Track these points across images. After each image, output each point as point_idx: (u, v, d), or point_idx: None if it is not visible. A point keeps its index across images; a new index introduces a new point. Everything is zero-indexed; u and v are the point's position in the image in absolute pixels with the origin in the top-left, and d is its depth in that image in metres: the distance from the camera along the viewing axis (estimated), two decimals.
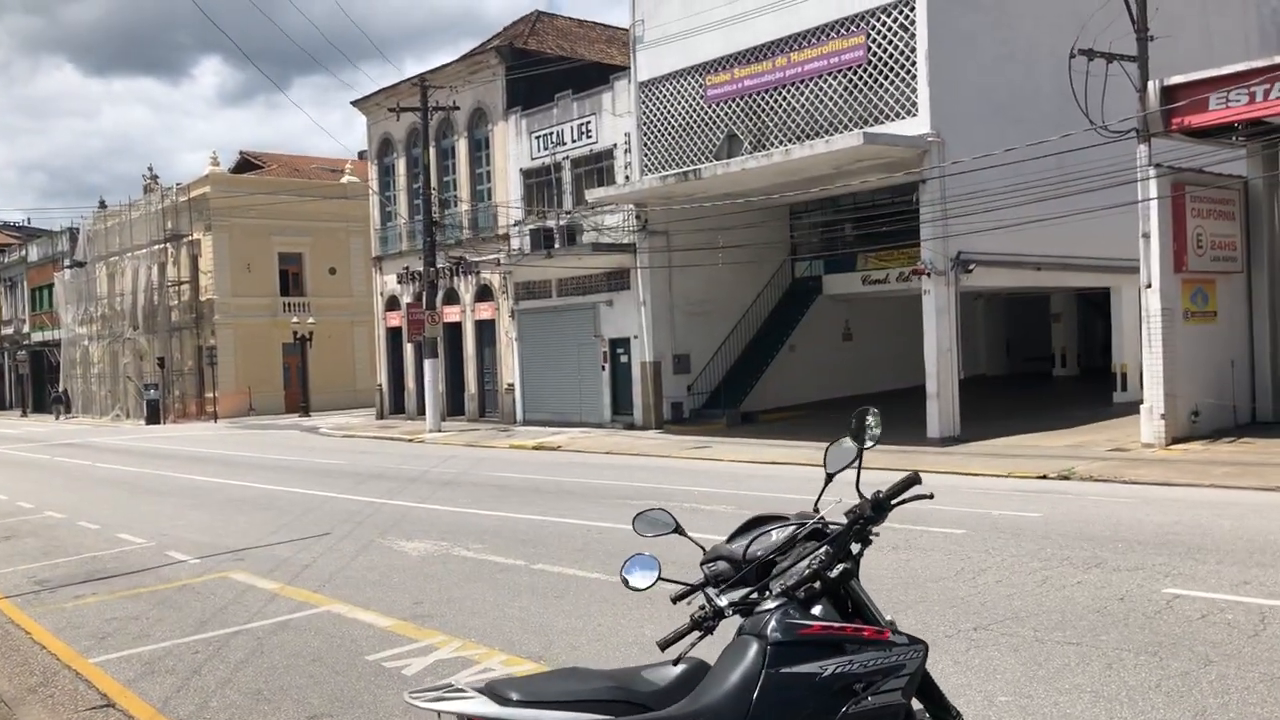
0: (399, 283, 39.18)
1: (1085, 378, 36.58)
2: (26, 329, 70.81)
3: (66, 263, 63.07)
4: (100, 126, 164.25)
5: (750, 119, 26.50)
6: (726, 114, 27.05)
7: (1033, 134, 21.99)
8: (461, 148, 36.05)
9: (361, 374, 53.58)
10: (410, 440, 31.54)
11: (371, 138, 40.56)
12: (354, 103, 40.66)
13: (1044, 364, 36.95)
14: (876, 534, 3.36)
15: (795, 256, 32.19)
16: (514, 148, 33.74)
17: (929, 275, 22.76)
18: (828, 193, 26.00)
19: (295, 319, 48.52)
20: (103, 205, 60.24)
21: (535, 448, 27.22)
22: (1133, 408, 26.16)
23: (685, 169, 26.04)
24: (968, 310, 38.15)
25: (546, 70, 33.55)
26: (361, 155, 52.40)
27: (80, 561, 11.62)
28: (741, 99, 26.65)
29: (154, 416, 48.92)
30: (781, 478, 17.96)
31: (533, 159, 33.07)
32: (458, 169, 36.15)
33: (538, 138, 32.86)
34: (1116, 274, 26.77)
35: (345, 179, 54.15)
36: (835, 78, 24.42)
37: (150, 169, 58.57)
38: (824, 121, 24.68)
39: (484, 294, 35.76)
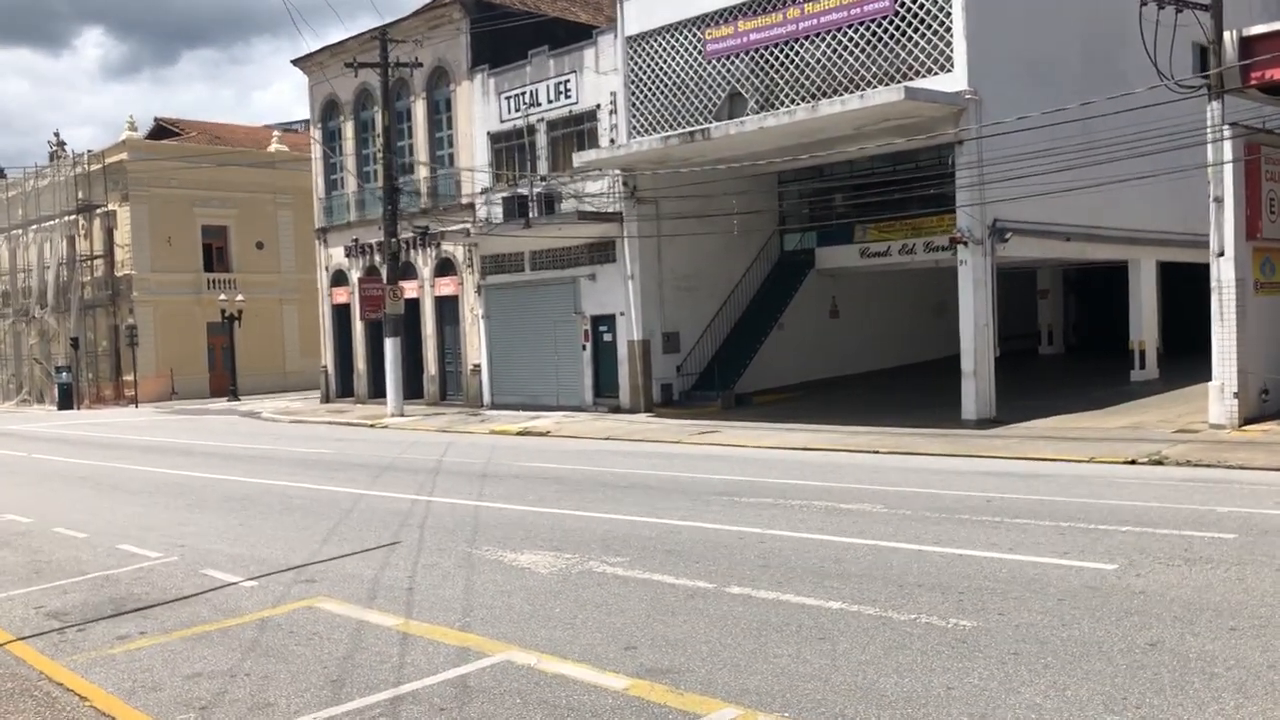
0: (347, 256, 36.37)
1: (1076, 355, 35.69)
2: None
3: None
4: None
5: (757, 76, 24.54)
6: (728, 71, 25.04)
7: (1061, 96, 20.58)
8: (419, 110, 33.36)
9: (292, 355, 50.44)
10: (372, 426, 28.97)
11: (314, 100, 37.50)
12: (295, 61, 37.52)
13: (1029, 341, 35.91)
14: None
15: (784, 228, 30.41)
16: (480, 109, 31.22)
17: (966, 244, 21.13)
18: (842, 156, 24.24)
19: (223, 296, 45.11)
20: (1, 174, 55.54)
21: (520, 433, 24.99)
22: (1153, 386, 25.18)
23: (691, 129, 23.96)
24: (949, 286, 36.95)
25: (516, 24, 31.11)
26: (284, 127, 49.11)
27: (93, 584, 9.15)
28: (746, 54, 24.66)
29: (66, 401, 45.08)
30: (839, 466, 16.15)
31: (502, 121, 30.61)
32: (415, 133, 33.46)
33: (508, 98, 30.41)
34: (1136, 246, 25.63)
35: (274, 146, 50.74)
36: (856, 30, 22.59)
37: (56, 135, 54.22)
38: (842, 78, 22.84)
39: (445, 267, 33.21)
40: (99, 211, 47.19)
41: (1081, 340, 37.05)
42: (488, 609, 7.56)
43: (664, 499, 12.70)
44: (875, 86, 21.87)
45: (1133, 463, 15.64)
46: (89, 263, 47.78)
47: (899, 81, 21.59)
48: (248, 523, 12.16)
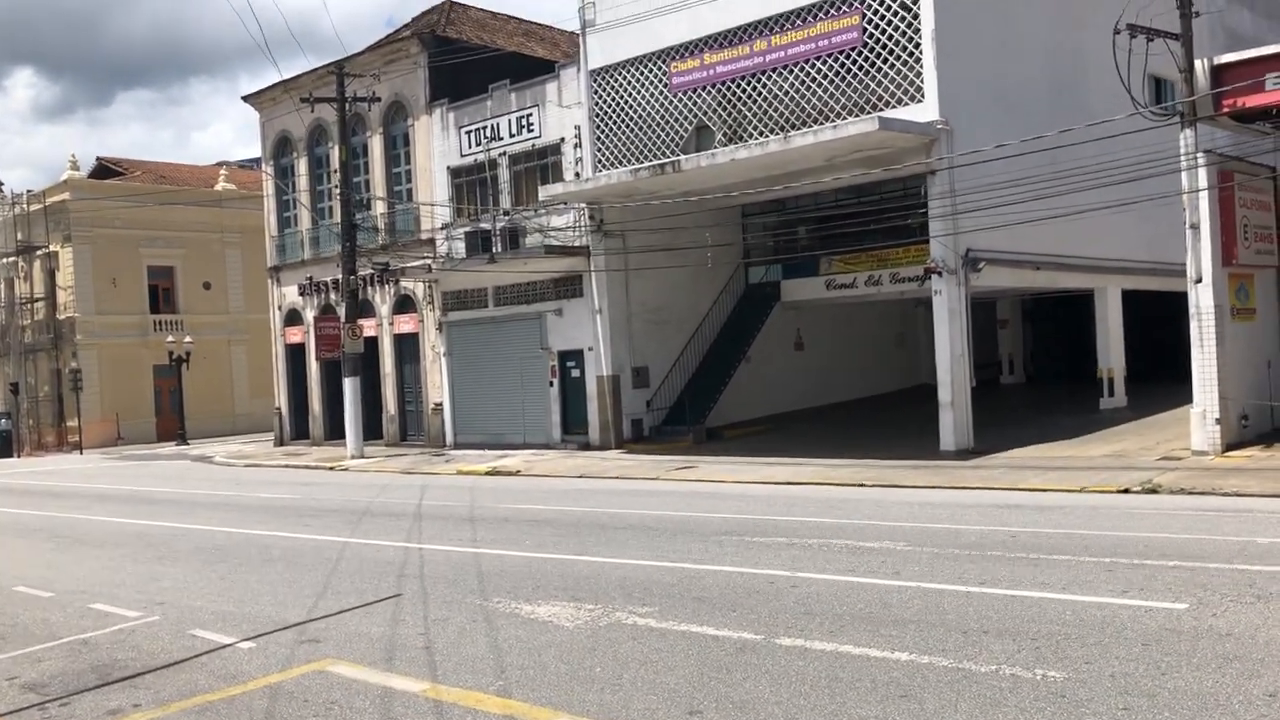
0: (301, 295, 35.56)
1: (1038, 384, 35.84)
2: None
3: None
4: None
5: (724, 109, 24.40)
6: (695, 104, 24.88)
7: (1028, 127, 20.69)
8: (376, 145, 32.82)
9: (241, 398, 49.29)
10: (332, 468, 28.16)
11: (266, 136, 36.78)
12: (246, 98, 36.83)
13: (990, 371, 36.04)
14: None
15: (749, 260, 30.23)
16: (440, 144, 30.76)
17: (940, 274, 21.05)
18: (812, 188, 24.15)
19: (170, 338, 43.91)
20: None
21: (489, 472, 24.39)
22: (1124, 414, 25.24)
23: (661, 161, 23.71)
24: (909, 317, 37.07)
25: (474, 58, 30.77)
26: (241, 164, 48.26)
27: (69, 650, 8.44)
28: (713, 87, 24.53)
29: (6, 449, 43.47)
30: (834, 501, 15.83)
31: (463, 156, 30.17)
32: (372, 168, 32.89)
33: (468, 133, 30.00)
34: (1103, 274, 25.79)
35: (220, 185, 49.78)
36: (824, 62, 22.55)
37: None
38: (811, 110, 22.77)
39: (405, 305, 32.56)
40: (40, 253, 45.87)
41: (1040, 369, 37.26)
42: (520, 669, 7.02)
43: (669, 541, 12.22)
44: (844, 118, 21.82)
45: (1126, 491, 15.50)
46: (29, 305, 46.32)
47: (868, 113, 21.55)
48: (228, 576, 11.46)
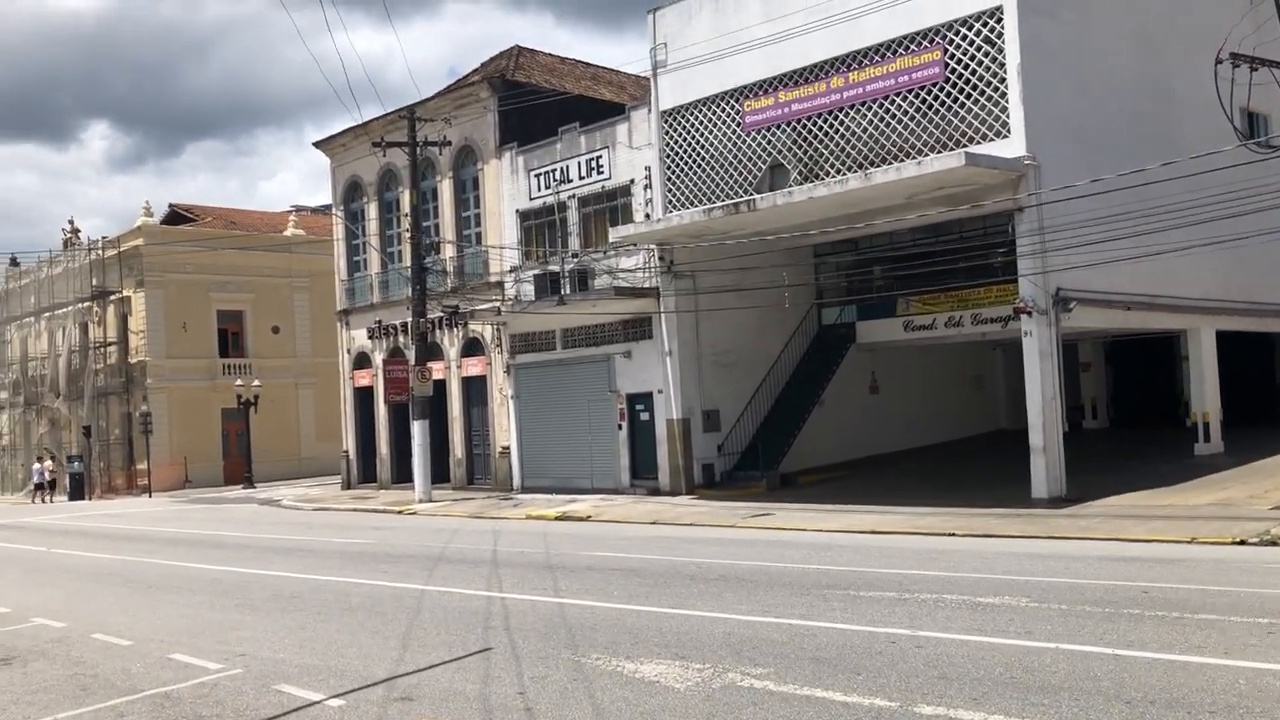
0: (370, 338, 35.58)
1: (1123, 428, 34.62)
2: None
3: None
4: None
5: (799, 147, 23.97)
6: (768, 143, 24.49)
7: (1114, 163, 19.99)
8: (445, 189, 32.85)
9: (307, 441, 49.45)
10: (400, 512, 27.86)
11: (336, 181, 37.07)
12: (317, 144, 37.18)
13: (1073, 416, 34.91)
14: None
15: (822, 301, 29.62)
16: (509, 187, 30.69)
17: (1030, 314, 20.28)
18: (891, 227, 23.53)
19: (239, 381, 44.21)
20: (14, 263, 55.10)
21: (558, 518, 23.91)
22: (1221, 460, 24.06)
23: (736, 200, 23.30)
24: (986, 359, 36.12)
25: (542, 101, 30.75)
26: (318, 210, 48.82)
27: (152, 705, 8.05)
28: (787, 125, 24.12)
29: (78, 491, 43.96)
30: (932, 552, 15.09)
31: (532, 199, 30.05)
32: (442, 212, 32.90)
33: (538, 175, 29.89)
34: (1196, 314, 24.80)
35: (289, 230, 50.35)
36: (904, 98, 22.06)
37: (71, 222, 53.74)
38: (890, 147, 22.25)
39: (473, 348, 32.38)
40: (113, 298, 46.60)
41: (1121, 414, 36.05)
42: None
43: (767, 593, 11.59)
44: (924, 154, 21.25)
45: (1242, 543, 14.60)
46: (102, 349, 47.03)
47: (949, 149, 20.97)
48: (308, 625, 11.05)
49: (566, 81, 34.66)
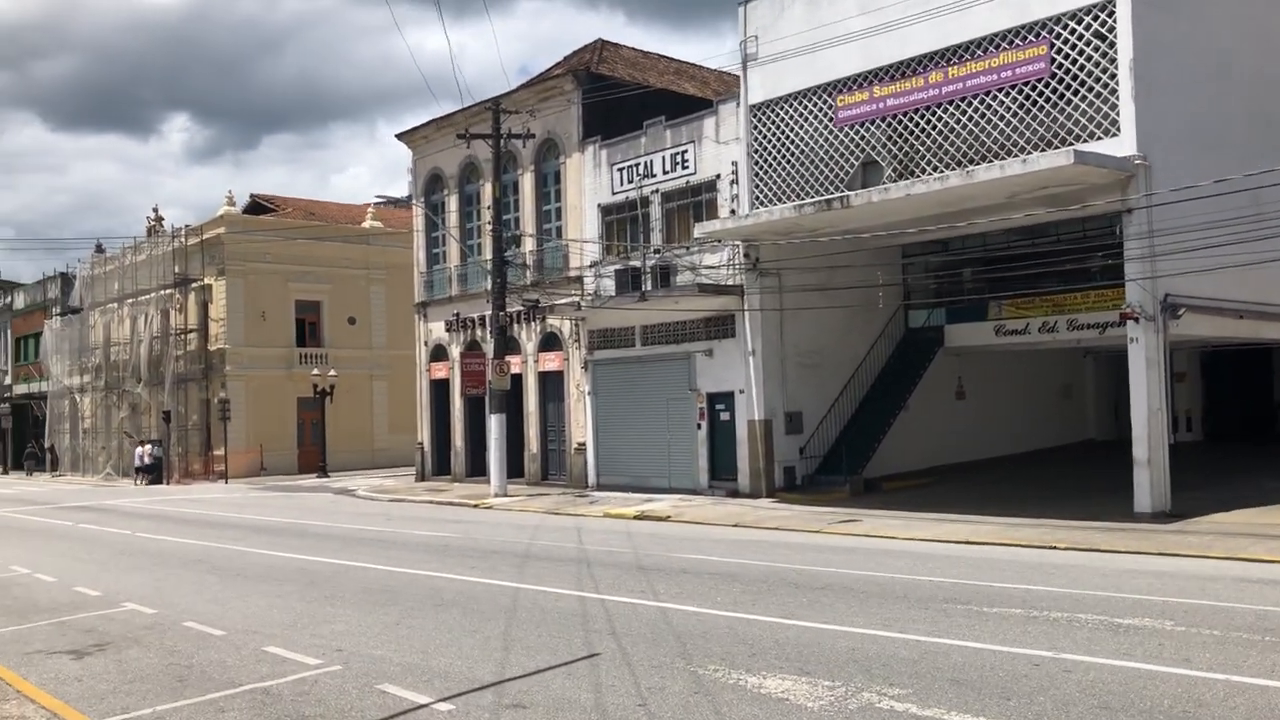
0: (448, 331, 35.54)
1: (1219, 441, 33.35)
2: (9, 381, 66.20)
3: (58, 310, 58.85)
4: (69, 183, 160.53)
5: (893, 143, 23.29)
6: (861, 138, 23.84)
7: (1227, 164, 19.09)
8: (527, 182, 32.65)
9: (380, 432, 49.71)
10: (476, 506, 27.70)
11: (417, 173, 37.10)
12: (399, 136, 37.23)
13: None
14: None
15: (910, 302, 28.88)
16: (591, 181, 30.39)
17: (1138, 320, 19.43)
18: (990, 227, 22.77)
19: (315, 371, 44.56)
20: (100, 250, 56.21)
21: (636, 517, 23.53)
22: None
23: (828, 197, 22.70)
24: (1075, 367, 35.05)
25: (625, 94, 30.39)
26: (385, 199, 49.04)
27: (252, 701, 7.79)
28: (882, 120, 23.45)
29: (156, 476, 44.55)
30: (1043, 566, 14.41)
31: (614, 193, 29.71)
32: (522, 205, 32.70)
33: (620, 170, 29.54)
34: None
35: (368, 222, 50.67)
36: (1007, 94, 21.29)
37: (155, 210, 54.67)
38: (991, 144, 21.49)
39: (550, 342, 32.15)
40: (195, 286, 47.23)
41: (1218, 426, 34.74)
42: None
43: (880, 606, 11.04)
44: (1027, 153, 20.48)
45: None
46: (183, 336, 47.71)
47: (1055, 147, 20.18)
48: (403, 621, 10.77)
49: (649, 76, 34.26)
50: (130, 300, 51.17)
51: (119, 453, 51.17)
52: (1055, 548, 16.48)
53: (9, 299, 68.08)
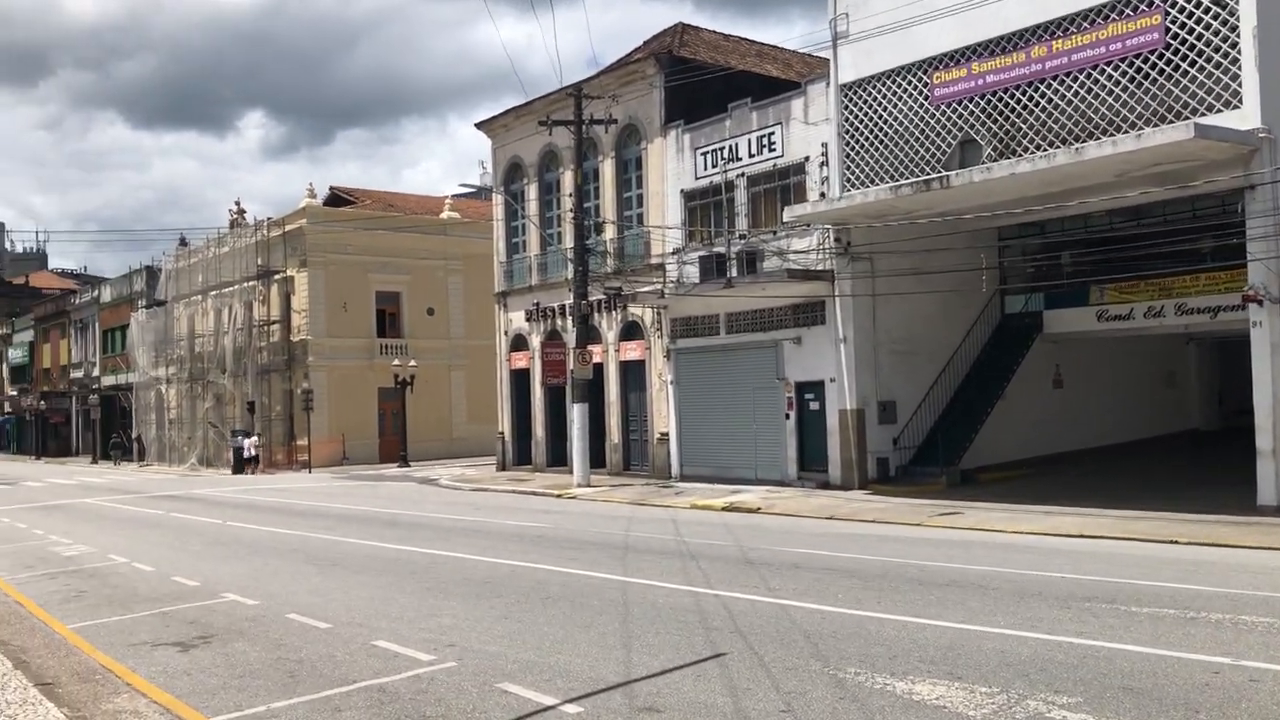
0: (528, 320, 35.34)
1: None
2: (97, 372, 67.77)
3: (143, 303, 60.01)
4: (150, 179, 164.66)
5: (993, 121, 22.40)
6: (959, 117, 22.98)
7: None
8: (607, 169, 32.23)
9: (459, 422, 49.82)
10: (559, 495, 27.39)
11: (497, 163, 36.92)
12: (479, 125, 37.08)
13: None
14: None
15: (1006, 287, 27.93)
16: (673, 166, 29.87)
17: (1261, 303, 18.39)
18: (1095, 207, 21.82)
19: (396, 362, 44.75)
20: (183, 243, 57.13)
21: (725, 508, 22.98)
22: None
23: (927, 177, 21.92)
24: (1178, 355, 33.71)
25: (708, 76, 29.80)
26: (470, 188, 49.04)
27: (369, 700, 7.42)
28: (980, 98, 22.58)
29: (240, 465, 45.13)
30: (1173, 562, 13.61)
31: (697, 178, 29.15)
32: (603, 193, 32.29)
33: (704, 154, 28.97)
34: None
35: (446, 213, 50.77)
36: (1116, 68, 20.30)
37: (238, 203, 55.47)
38: (1099, 120, 20.53)
39: (631, 331, 31.73)
40: (277, 277, 47.70)
41: None
42: None
43: (1017, 604, 10.39)
44: (1138, 128, 19.50)
45: None
46: (266, 328, 48.24)
47: (1169, 122, 19.17)
48: (511, 615, 10.40)
49: (731, 59, 33.59)
50: (214, 292, 51.90)
51: (204, 443, 51.96)
52: (1176, 542, 15.62)
53: (96, 293, 69.65)
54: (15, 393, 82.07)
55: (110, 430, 63.07)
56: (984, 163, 21.83)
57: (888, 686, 7.26)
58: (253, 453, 44.71)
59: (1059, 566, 12.80)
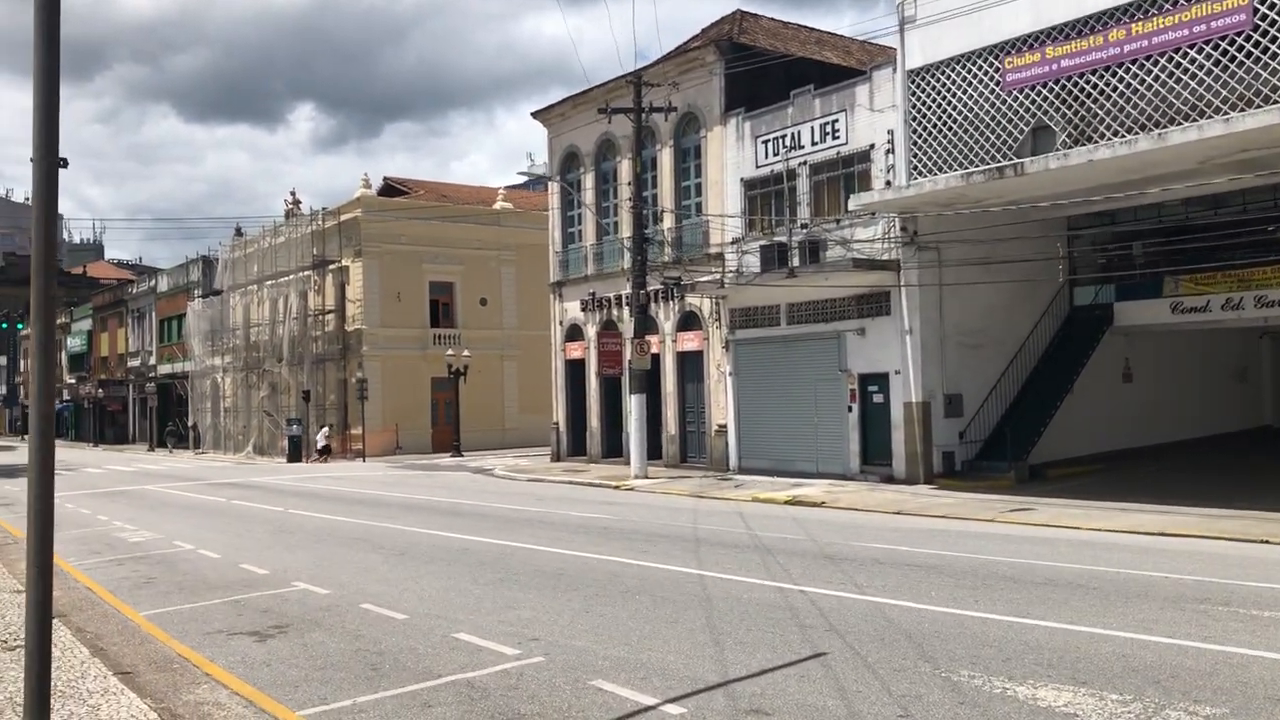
0: (583, 310, 35.11)
1: None
2: (154, 361, 68.63)
3: (199, 292, 60.62)
4: (203, 171, 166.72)
5: (1068, 107, 21.76)
6: (1031, 103, 22.36)
7: None
8: (665, 158, 31.88)
9: (511, 412, 49.77)
10: (617, 487, 27.15)
11: (553, 151, 36.69)
12: (535, 114, 36.87)
13: None
14: None
15: (1075, 278, 27.23)
16: (733, 154, 29.44)
17: None
18: (1183, 192, 21.13)
19: (450, 351, 44.75)
20: (239, 233, 57.59)
21: (788, 502, 22.60)
22: None
23: (1000, 164, 21.35)
24: (1251, 349, 32.80)
25: (768, 62, 29.35)
26: (528, 175, 48.89)
27: (458, 695, 7.17)
28: (1055, 83, 21.93)
29: (295, 454, 45.39)
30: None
31: (758, 166, 28.71)
32: (660, 182, 31.94)
33: (765, 142, 28.52)
34: None
35: (499, 204, 50.69)
36: (1200, 50, 19.60)
37: (293, 193, 55.67)
38: (1181, 105, 19.84)
39: (689, 321, 31.38)
40: (332, 267, 47.88)
41: None
42: None
43: (1124, 604, 9.92)
44: (1225, 113, 18.80)
45: None
46: (321, 317, 48.46)
47: (1257, 106, 18.45)
48: (591, 609, 10.14)
49: (791, 46, 33.09)
50: (270, 282, 52.24)
51: (259, 431, 52.35)
52: (1269, 542, 15.02)
53: (154, 282, 70.51)
54: (73, 380, 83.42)
55: (166, 418, 63.85)
56: (1058, 149, 21.23)
57: (1010, 692, 6.89)
58: (324, 443, 44.78)
59: (1155, 565, 12.30)
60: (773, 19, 35.60)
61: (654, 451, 31.65)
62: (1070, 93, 21.69)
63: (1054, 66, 22.02)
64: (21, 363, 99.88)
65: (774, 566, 12.39)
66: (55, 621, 10.21)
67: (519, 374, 49.56)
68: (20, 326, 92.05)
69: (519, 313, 49.53)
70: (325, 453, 44.64)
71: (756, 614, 9.62)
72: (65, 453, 62.06)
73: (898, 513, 20.25)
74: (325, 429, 45.49)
